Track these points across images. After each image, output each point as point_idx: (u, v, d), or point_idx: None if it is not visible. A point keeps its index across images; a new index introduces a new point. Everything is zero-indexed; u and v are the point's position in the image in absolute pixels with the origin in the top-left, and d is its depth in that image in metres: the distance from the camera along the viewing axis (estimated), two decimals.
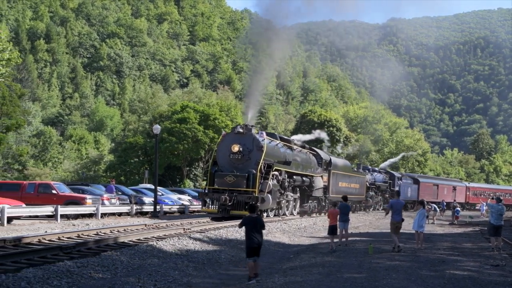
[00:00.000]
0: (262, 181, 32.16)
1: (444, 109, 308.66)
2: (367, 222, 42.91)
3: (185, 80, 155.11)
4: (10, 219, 26.21)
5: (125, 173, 71.69)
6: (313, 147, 47.10)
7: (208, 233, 22.57)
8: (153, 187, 39.68)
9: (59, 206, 28.54)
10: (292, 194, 38.24)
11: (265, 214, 33.68)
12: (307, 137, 58.44)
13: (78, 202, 32.12)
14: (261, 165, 32.04)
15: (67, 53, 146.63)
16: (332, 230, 20.93)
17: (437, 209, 48.38)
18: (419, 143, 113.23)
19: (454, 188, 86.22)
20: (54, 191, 32.96)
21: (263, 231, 14.29)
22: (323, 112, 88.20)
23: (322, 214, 44.13)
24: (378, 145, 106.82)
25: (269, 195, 31.92)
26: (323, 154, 46.52)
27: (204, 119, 66.84)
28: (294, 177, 37.58)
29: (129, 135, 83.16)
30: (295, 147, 40.19)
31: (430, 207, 42.14)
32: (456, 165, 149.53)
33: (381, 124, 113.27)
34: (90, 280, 12.56)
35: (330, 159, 47.05)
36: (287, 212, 37.62)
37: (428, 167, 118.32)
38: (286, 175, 35.85)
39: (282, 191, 35.75)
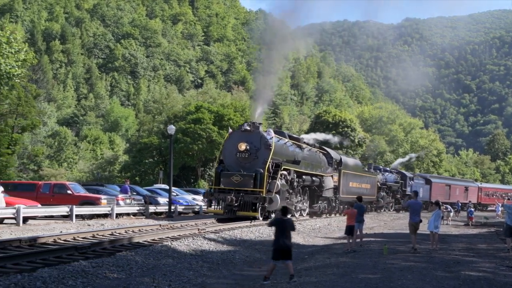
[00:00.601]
0: (270, 181, 31.17)
1: (459, 109, 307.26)
2: (382, 222, 42.79)
3: (199, 81, 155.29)
4: (25, 219, 26.33)
5: (140, 174, 71.86)
6: (323, 146, 45.98)
7: (222, 233, 22.58)
8: (167, 187, 39.70)
9: (74, 206, 28.64)
10: (301, 195, 37.08)
11: (273, 215, 31.88)
12: (318, 135, 57.92)
13: (93, 202, 32.22)
14: (269, 164, 31.02)
15: (82, 54, 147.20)
16: (349, 230, 20.64)
17: (452, 210, 48.18)
18: (434, 144, 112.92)
19: (466, 189, 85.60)
20: (69, 192, 33.08)
21: (292, 232, 14.17)
22: (337, 112, 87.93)
23: (332, 215, 43.70)
24: (393, 146, 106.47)
25: (277, 195, 30.86)
26: (334, 153, 45.16)
27: (219, 119, 66.85)
28: (304, 176, 36.25)
29: (143, 135, 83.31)
30: (304, 145, 38.96)
31: (445, 208, 41.97)
32: (472, 165, 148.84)
33: (396, 124, 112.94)
34: (105, 280, 12.59)
35: (341, 159, 45.62)
36: (296, 214, 36.27)
37: (443, 168, 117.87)
38: (295, 175, 34.66)
39: (291, 191, 34.45)
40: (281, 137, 34.91)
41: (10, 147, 48.24)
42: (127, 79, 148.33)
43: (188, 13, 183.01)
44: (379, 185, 58.12)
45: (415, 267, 15.59)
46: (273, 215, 31.38)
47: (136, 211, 35.09)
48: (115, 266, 13.80)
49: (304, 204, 38.03)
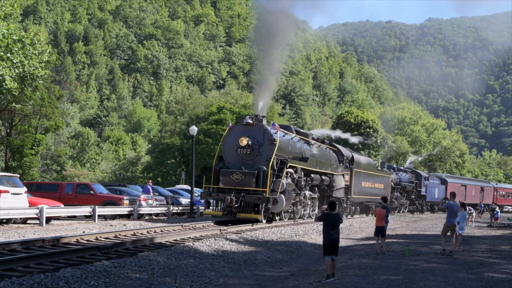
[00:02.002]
0: (274, 179, 28.57)
1: (482, 110, 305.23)
2: (404, 224, 42.60)
3: (221, 82, 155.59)
4: (48, 219, 26.50)
5: (162, 174, 72.06)
6: (333, 143, 43.32)
7: (244, 234, 22.59)
8: (189, 188, 39.78)
9: (96, 206, 28.78)
10: (309, 194, 34.30)
11: (277, 217, 30.66)
12: (331, 132, 56.67)
13: (116, 202, 32.36)
14: (273, 161, 28.49)
15: (104, 55, 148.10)
16: (379, 231, 20.27)
17: (474, 211, 47.84)
18: (457, 145, 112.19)
19: (482, 189, 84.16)
20: (92, 192, 33.26)
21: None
22: (359, 113, 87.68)
23: (343, 217, 42.39)
24: (415, 147, 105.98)
25: (282, 195, 28.31)
26: (345, 150, 42.33)
27: (241, 120, 66.87)
28: (312, 175, 33.57)
29: (166, 136, 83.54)
30: (313, 141, 36.22)
31: (468, 209, 41.62)
32: (495, 166, 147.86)
33: (419, 125, 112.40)
34: (127, 280, 12.63)
35: (353, 156, 42.98)
36: (304, 215, 34.04)
37: (466, 169, 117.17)
38: (302, 173, 32.11)
39: (298, 191, 31.85)
40: (287, 132, 32.57)
41: (34, 147, 48.51)
42: (149, 80, 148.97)
43: (210, 14, 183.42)
44: (393, 185, 55.72)
45: (438, 269, 15.50)
46: (277, 218, 30.36)
47: (158, 212, 35.18)
48: (137, 266, 13.85)
49: (313, 205, 35.54)
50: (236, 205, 27.76)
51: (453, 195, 21.05)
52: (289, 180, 29.97)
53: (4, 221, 25.81)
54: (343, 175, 39.59)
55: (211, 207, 29.92)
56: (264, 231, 24.09)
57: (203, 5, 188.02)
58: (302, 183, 32.29)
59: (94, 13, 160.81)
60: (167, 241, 19.57)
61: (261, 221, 28.23)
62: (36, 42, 36.37)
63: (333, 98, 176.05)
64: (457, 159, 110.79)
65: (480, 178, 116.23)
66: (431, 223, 43.61)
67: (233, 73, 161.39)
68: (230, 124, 31.27)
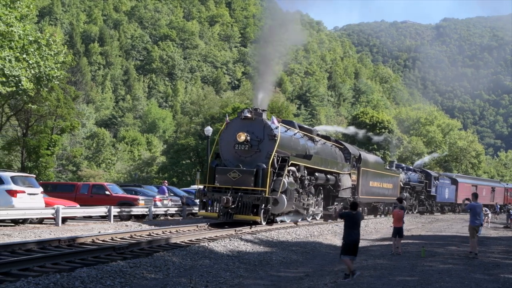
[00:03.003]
0: (274, 178, 26.47)
1: (498, 110, 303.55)
2: (420, 224, 42.43)
3: (236, 82, 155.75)
4: (64, 219, 26.60)
5: (177, 175, 72.16)
6: (339, 140, 41.53)
7: (259, 234, 22.56)
8: None
9: (112, 207, 28.86)
10: (313, 195, 32.20)
11: (278, 219, 28.56)
12: (340, 129, 55.56)
13: (131, 203, 32.41)
14: (273, 158, 26.35)
15: (120, 55, 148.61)
16: (397, 232, 20.08)
17: (490, 212, 47.56)
18: (472, 145, 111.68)
19: (493, 189, 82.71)
20: (107, 192, 33.34)
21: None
22: (375, 113, 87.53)
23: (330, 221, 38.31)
24: (431, 147, 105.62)
25: (283, 195, 26.16)
26: (352, 148, 40.24)
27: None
28: (316, 174, 31.48)
29: (181, 136, 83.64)
30: (317, 138, 34.08)
31: (484, 210, 41.36)
32: (511, 167, 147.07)
33: (434, 125, 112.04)
34: (142, 280, 12.66)
35: (360, 155, 40.80)
36: (307, 217, 31.93)
37: (481, 169, 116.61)
38: (305, 172, 29.98)
39: (301, 191, 29.64)
40: (289, 127, 30.46)
41: (50, 148, 48.78)
42: (164, 80, 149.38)
43: (225, 15, 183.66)
44: (402, 185, 53.54)
45: (454, 270, 15.43)
46: (278, 219, 28.43)
47: (174, 212, 35.23)
48: (152, 267, 13.87)
49: (317, 206, 33.47)
50: (233, 206, 25.68)
51: (475, 196, 20.75)
52: (291, 179, 27.92)
53: (21, 221, 25.94)
54: (349, 174, 37.59)
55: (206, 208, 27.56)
56: (279, 232, 24.06)
57: (218, 6, 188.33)
58: (306, 182, 30.23)
59: (109, 14, 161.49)
60: (182, 242, 19.58)
61: (260, 223, 26.10)
62: (52, 43, 36.57)
63: (348, 99, 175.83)
64: (473, 159, 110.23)
65: (496, 179, 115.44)
66: (447, 224, 43.44)
67: (248, 74, 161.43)
68: (227, 118, 29.42)
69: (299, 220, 30.76)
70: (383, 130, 79.96)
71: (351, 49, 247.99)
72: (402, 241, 21.28)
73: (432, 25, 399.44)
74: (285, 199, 26.19)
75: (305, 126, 35.40)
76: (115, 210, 29.06)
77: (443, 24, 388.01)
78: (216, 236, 21.54)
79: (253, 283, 14.01)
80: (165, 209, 34.58)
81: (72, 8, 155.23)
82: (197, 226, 25.35)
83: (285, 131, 29.01)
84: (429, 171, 66.74)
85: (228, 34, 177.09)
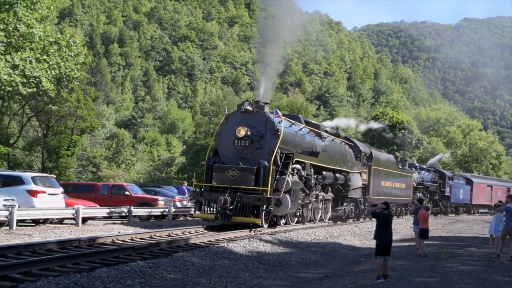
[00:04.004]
0: (277, 176, 24.55)
1: None
2: (440, 225, 42.21)
3: (255, 83, 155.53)
4: (84, 220, 26.75)
5: (197, 175, 72.19)
6: (349, 137, 39.61)
7: (278, 235, 22.55)
8: None
9: (132, 207, 28.97)
10: (322, 195, 30.32)
11: (282, 221, 26.67)
12: (352, 122, 53.99)
13: (151, 203, 32.53)
14: (276, 155, 24.48)
15: (139, 56, 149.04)
16: (423, 234, 19.85)
17: None
18: (493, 146, 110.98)
19: (508, 190, 78.94)
20: (127, 193, 33.50)
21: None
22: (394, 114, 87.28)
23: (361, 220, 37.89)
24: (451, 148, 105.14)
25: (287, 195, 24.29)
26: (362, 145, 38.20)
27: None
28: (324, 173, 29.59)
29: (200, 137, 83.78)
30: (325, 134, 32.08)
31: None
32: None
33: (454, 126, 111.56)
34: (162, 280, 12.69)
35: (371, 152, 38.58)
36: (315, 218, 30.18)
37: (502, 170, 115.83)
38: (312, 170, 28.00)
39: (307, 191, 27.79)
40: (294, 122, 28.14)
41: (70, 148, 49.06)
42: (184, 81, 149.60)
43: (244, 16, 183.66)
44: (415, 185, 51.25)
45: (474, 271, 15.35)
46: (282, 221, 26.59)
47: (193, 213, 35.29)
48: (172, 267, 13.90)
49: (325, 207, 31.63)
50: (231, 207, 23.77)
51: (510, 197, 20.56)
52: (296, 177, 25.97)
53: (41, 221, 26.11)
54: (360, 173, 35.52)
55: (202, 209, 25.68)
56: (298, 233, 24.02)
57: (237, 7, 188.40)
58: (312, 181, 28.22)
59: (129, 15, 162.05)
60: (201, 242, 19.62)
61: (262, 226, 24.20)
62: (72, 44, 36.77)
63: (368, 99, 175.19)
64: (494, 160, 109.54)
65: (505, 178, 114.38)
66: (467, 225, 43.21)
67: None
68: (226, 112, 27.15)
69: (305, 222, 28.89)
70: (403, 131, 79.70)
71: (371, 50, 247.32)
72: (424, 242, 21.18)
73: (452, 25, 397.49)
74: (289, 200, 24.34)
75: (312, 121, 33.71)
76: (135, 210, 29.18)
77: (463, 24, 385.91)
78: (235, 237, 21.54)
79: (272, 283, 14.01)
80: (185, 209, 34.69)
81: (92, 9, 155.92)
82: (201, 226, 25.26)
83: (290, 126, 27.13)
84: (443, 170, 64.98)
85: (247, 35, 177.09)
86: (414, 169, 54.20)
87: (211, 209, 24.88)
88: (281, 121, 25.71)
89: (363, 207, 37.14)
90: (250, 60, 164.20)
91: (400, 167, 49.37)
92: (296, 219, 27.97)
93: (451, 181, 61.40)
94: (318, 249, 20.87)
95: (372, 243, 22.85)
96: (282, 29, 32.17)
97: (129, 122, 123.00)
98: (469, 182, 68.21)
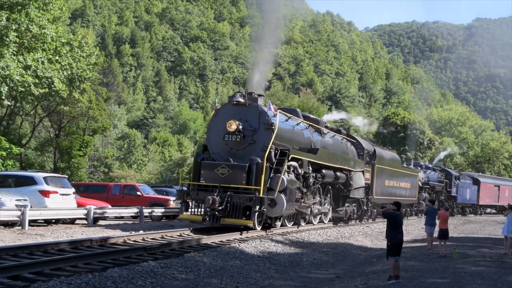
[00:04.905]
0: (272, 174, 22.63)
1: None
2: (451, 226, 42.00)
3: (267, 83, 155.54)
4: (96, 220, 26.83)
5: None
6: (351, 134, 37.73)
7: (289, 235, 22.51)
8: None
9: (143, 207, 29.01)
10: (320, 195, 28.41)
11: (277, 223, 24.90)
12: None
13: (162, 203, 32.58)
14: (270, 151, 22.60)
15: (151, 57, 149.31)
16: (443, 234, 19.73)
17: None
18: (505, 146, 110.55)
19: None
20: (138, 193, 33.58)
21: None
22: (406, 114, 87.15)
23: (364, 221, 36.29)
24: (463, 148, 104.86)
25: (282, 195, 22.35)
26: (365, 143, 36.40)
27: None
28: (324, 171, 27.46)
29: None
30: (325, 130, 29.93)
31: None
32: None
33: (466, 126, 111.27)
34: (173, 280, 12.70)
35: (374, 150, 36.64)
36: (314, 220, 28.26)
37: None
38: (310, 168, 25.89)
39: (305, 190, 25.51)
40: (290, 116, 26.24)
41: (82, 149, 49.20)
42: (195, 82, 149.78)
43: (255, 16, 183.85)
44: (421, 185, 49.63)
45: (486, 272, 15.28)
46: (278, 223, 24.85)
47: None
48: (183, 267, 13.91)
49: (326, 207, 29.70)
50: (220, 208, 21.94)
51: None
52: (292, 176, 23.97)
53: (53, 221, 26.20)
54: (363, 171, 33.50)
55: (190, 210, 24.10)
56: (309, 233, 23.98)
57: (249, 7, 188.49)
58: (310, 180, 26.09)
59: (140, 15, 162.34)
60: (213, 242, 19.60)
61: (254, 228, 22.53)
62: (84, 44, 36.93)
63: (379, 100, 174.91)
64: (506, 161, 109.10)
65: None
66: (479, 226, 43.04)
67: (279, 75, 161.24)
68: (217, 105, 25.17)
69: (303, 224, 27.16)
70: (414, 131, 79.52)
71: (382, 50, 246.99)
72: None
73: (464, 25, 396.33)
74: (284, 200, 22.44)
75: (311, 116, 31.18)
76: (146, 211, 29.22)
77: (475, 24, 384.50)
78: (246, 237, 21.50)
79: (283, 284, 14.00)
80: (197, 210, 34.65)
81: (104, 10, 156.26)
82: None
83: (286, 120, 25.22)
84: (449, 170, 63.17)
85: (259, 35, 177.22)
86: (419, 168, 52.90)
87: (200, 209, 23.26)
88: (276, 114, 23.69)
89: (366, 208, 35.54)
90: (261, 60, 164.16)
91: (405, 166, 48.30)
92: (293, 220, 26.40)
93: (457, 181, 59.69)
94: (330, 249, 20.84)
95: (384, 244, 22.83)
96: (274, 11, 30.65)
97: (141, 122, 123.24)
98: (476, 182, 66.40)
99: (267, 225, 24.08)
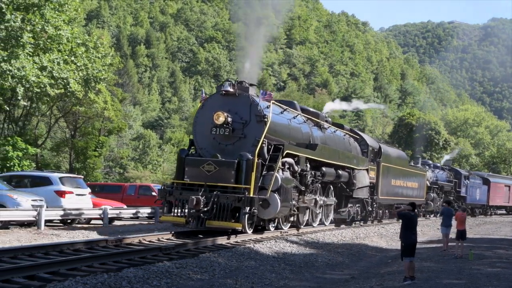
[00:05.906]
0: (265, 172, 20.60)
1: None
2: (467, 227, 41.81)
3: (282, 84, 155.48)
4: (111, 220, 26.92)
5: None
6: (355, 129, 35.38)
7: (304, 236, 22.47)
8: None
9: (158, 207, 29.07)
10: (320, 195, 26.06)
11: (272, 227, 22.72)
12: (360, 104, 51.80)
13: None
14: (262, 146, 20.64)
15: (166, 58, 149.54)
16: (461, 235, 19.56)
17: None
18: None
19: None
20: (153, 193, 33.61)
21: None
22: (421, 115, 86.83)
23: (369, 223, 34.48)
24: (479, 149, 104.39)
25: (275, 195, 20.21)
26: (370, 139, 34.43)
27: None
28: (324, 169, 25.24)
29: None
30: (326, 125, 27.68)
31: None
32: None
33: (482, 127, 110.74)
34: (188, 280, 12.71)
35: (380, 147, 34.63)
36: (313, 221, 26.26)
37: None
38: (308, 165, 23.67)
39: (302, 189, 23.39)
40: (286, 108, 24.03)
41: (97, 149, 49.40)
42: (210, 82, 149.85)
43: (270, 16, 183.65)
44: (429, 185, 47.57)
45: (502, 274, 15.22)
46: (272, 226, 22.61)
47: None
48: (198, 267, 13.93)
49: (331, 199, 27.85)
50: (205, 209, 19.72)
51: None
52: (288, 173, 21.76)
53: (69, 221, 26.31)
54: (367, 170, 31.42)
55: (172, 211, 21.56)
56: (324, 234, 23.93)
57: (263, 8, 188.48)
58: (309, 178, 23.83)
59: (155, 16, 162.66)
60: (228, 243, 19.56)
61: (245, 232, 20.44)
62: (99, 45, 37.13)
63: (395, 100, 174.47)
64: None
65: None
66: (495, 227, 42.85)
67: (294, 75, 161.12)
68: (204, 95, 23.12)
69: (301, 226, 24.93)
70: (430, 132, 79.21)
71: (397, 50, 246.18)
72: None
73: (479, 25, 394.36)
74: (279, 200, 20.30)
75: (310, 109, 28.65)
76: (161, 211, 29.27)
77: (491, 24, 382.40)
78: (261, 238, 21.43)
79: (298, 284, 13.99)
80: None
81: (119, 11, 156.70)
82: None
83: (281, 113, 23.06)
84: (458, 169, 61.54)
85: (273, 36, 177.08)
86: (427, 167, 50.74)
87: (184, 210, 20.83)
88: (269, 105, 21.47)
89: (370, 209, 33.53)
90: (276, 61, 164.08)
91: (412, 164, 46.61)
92: (290, 222, 24.04)
93: (467, 181, 57.82)
94: (345, 250, 20.80)
95: (399, 245, 22.81)
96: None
97: (156, 123, 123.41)
98: (486, 181, 64.59)
99: (260, 228, 22.37)
